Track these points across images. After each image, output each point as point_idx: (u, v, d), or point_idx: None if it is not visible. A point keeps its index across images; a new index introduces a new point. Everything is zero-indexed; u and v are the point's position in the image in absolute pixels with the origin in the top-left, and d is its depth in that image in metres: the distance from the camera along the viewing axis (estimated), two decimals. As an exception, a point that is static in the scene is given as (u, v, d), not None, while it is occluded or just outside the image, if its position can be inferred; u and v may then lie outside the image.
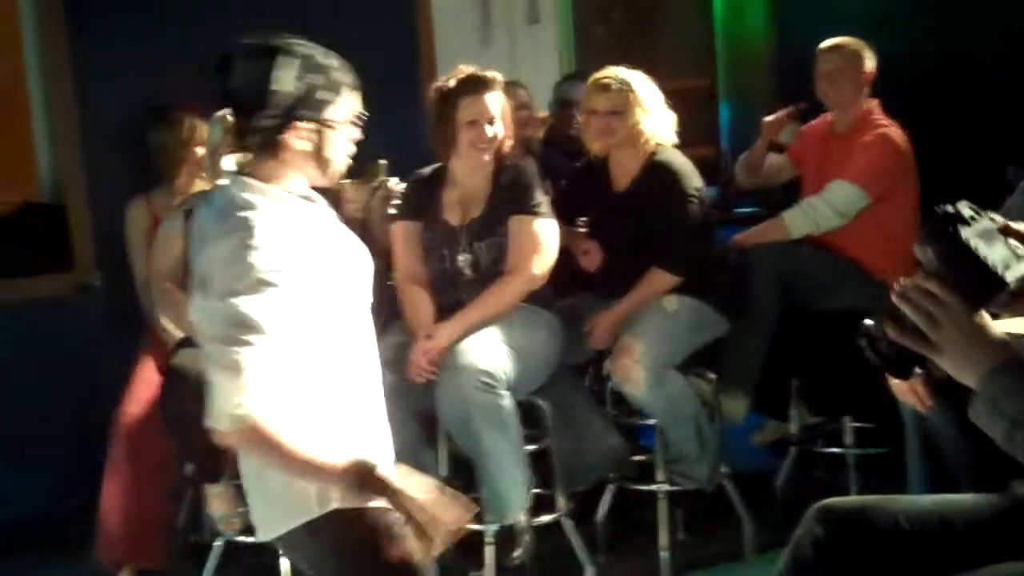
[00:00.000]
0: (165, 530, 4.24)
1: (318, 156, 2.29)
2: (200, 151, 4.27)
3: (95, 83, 4.83)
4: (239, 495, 3.88)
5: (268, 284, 2.10)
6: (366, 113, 2.37)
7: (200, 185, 4.28)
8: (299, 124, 2.24)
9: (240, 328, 2.08)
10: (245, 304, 2.08)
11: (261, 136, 2.24)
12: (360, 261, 2.39)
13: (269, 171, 2.26)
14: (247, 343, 2.07)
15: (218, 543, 3.97)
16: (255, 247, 2.11)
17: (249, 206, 2.18)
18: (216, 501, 3.90)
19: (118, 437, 4.19)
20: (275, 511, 2.29)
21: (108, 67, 4.77)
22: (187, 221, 3.98)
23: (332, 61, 2.30)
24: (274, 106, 2.20)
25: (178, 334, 4.07)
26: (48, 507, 4.68)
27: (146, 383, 4.23)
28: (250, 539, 3.91)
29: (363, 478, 2.15)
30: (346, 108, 2.31)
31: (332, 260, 2.28)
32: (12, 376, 4.70)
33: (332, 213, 2.42)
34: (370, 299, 2.43)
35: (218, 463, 3.86)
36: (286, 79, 2.20)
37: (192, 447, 3.91)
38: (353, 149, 2.40)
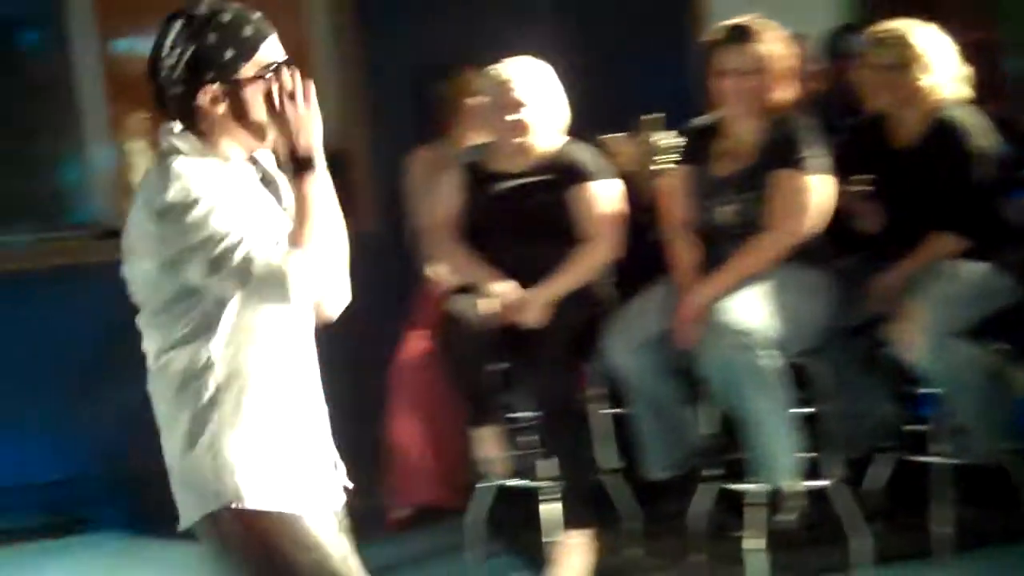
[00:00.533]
0: (457, 470, 4.34)
1: (242, 119, 2.10)
2: (473, 104, 4.36)
3: (378, 41, 5.03)
4: (509, 438, 3.99)
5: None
6: (287, 58, 2.11)
7: (475, 138, 4.38)
8: (208, 88, 2.06)
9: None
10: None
11: (174, 106, 2.09)
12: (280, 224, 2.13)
13: (199, 143, 2.09)
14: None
15: (487, 486, 4.07)
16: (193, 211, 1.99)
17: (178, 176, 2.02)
18: (485, 444, 3.99)
19: (399, 381, 4.38)
20: (186, 500, 2.14)
21: (390, 26, 4.95)
22: (463, 173, 4.10)
23: (239, 16, 2.07)
24: (170, 72, 2.05)
25: (452, 281, 4.19)
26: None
27: (422, 329, 4.39)
28: (519, 482, 4.02)
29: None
30: (259, 64, 2.08)
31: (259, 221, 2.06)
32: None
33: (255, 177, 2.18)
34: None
35: (488, 406, 3.98)
36: (177, 43, 2.04)
37: (465, 390, 4.04)
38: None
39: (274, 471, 2.11)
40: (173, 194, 2.00)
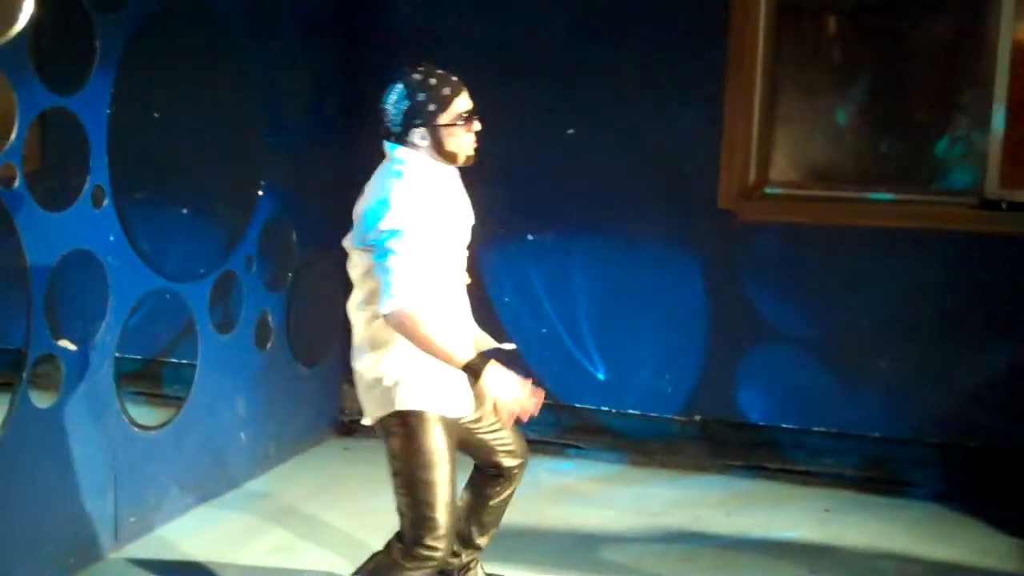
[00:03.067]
0: None
1: (440, 150, 3.24)
2: None
3: None
4: None
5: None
6: (474, 112, 3.24)
7: None
8: (415, 129, 3.22)
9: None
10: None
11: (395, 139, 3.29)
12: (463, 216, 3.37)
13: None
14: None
15: None
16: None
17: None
18: None
19: None
20: (367, 403, 3.33)
21: None
22: None
23: (438, 80, 3.20)
24: (392, 119, 3.26)
25: None
26: None
27: None
28: None
29: (474, 371, 3.08)
30: (453, 113, 3.21)
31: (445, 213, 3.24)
32: None
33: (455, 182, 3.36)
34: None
35: None
36: (398, 100, 3.23)
37: None
38: (474, 142, 3.27)
39: (421, 386, 3.22)
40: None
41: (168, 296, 4.55)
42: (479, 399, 3.24)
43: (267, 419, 5.12)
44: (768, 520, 4.65)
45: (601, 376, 5.40)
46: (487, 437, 3.51)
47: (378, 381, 3.26)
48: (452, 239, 3.28)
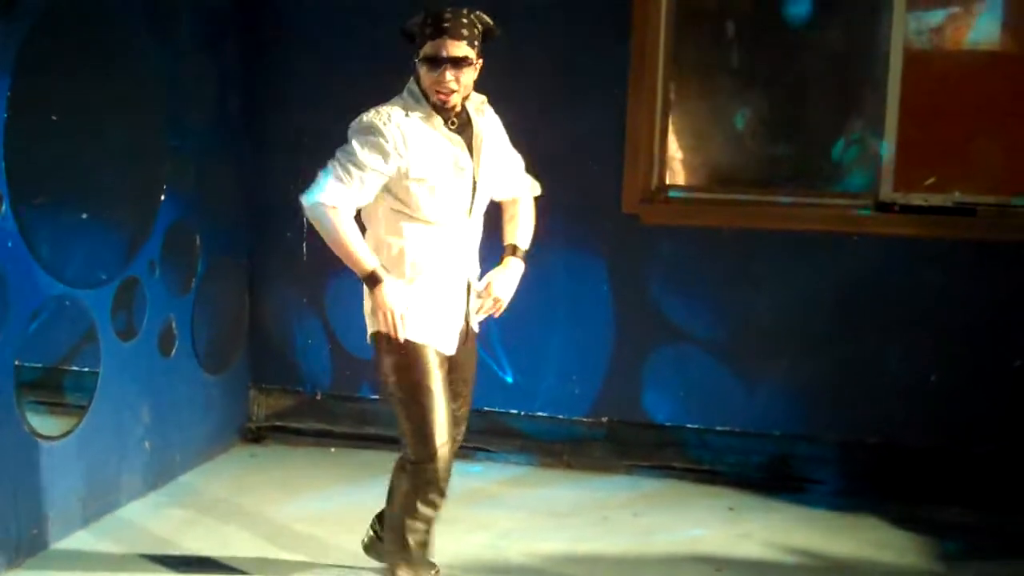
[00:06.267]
0: None
1: (418, 82, 3.40)
2: None
3: None
4: None
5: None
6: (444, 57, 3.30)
7: None
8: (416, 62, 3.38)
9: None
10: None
11: None
12: (456, 159, 3.43)
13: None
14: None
15: None
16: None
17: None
18: None
19: None
20: (368, 318, 3.54)
21: None
22: None
23: (435, 16, 3.31)
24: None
25: None
26: None
27: None
28: None
29: (368, 281, 3.38)
30: (423, 52, 3.34)
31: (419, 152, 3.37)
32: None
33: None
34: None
35: None
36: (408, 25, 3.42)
37: None
38: (446, 87, 3.32)
39: (411, 315, 3.41)
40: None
41: (68, 303, 4.46)
42: (376, 311, 3.43)
43: (172, 427, 5.05)
44: (674, 519, 4.72)
45: (509, 379, 5.43)
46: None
47: (366, 301, 3.51)
48: (427, 183, 3.38)
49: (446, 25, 3.31)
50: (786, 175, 5.87)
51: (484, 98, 3.58)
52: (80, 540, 4.38)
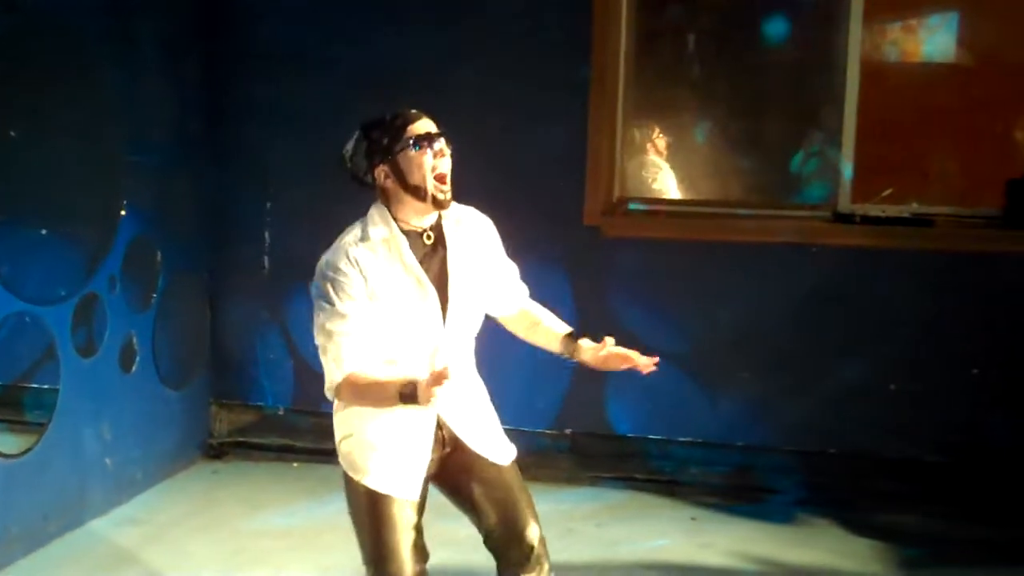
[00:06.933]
0: None
1: (405, 187, 2.98)
2: None
3: None
4: None
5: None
6: (436, 132, 2.99)
7: None
8: (378, 168, 3.00)
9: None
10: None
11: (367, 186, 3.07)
12: (421, 288, 2.99)
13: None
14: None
15: None
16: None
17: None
18: None
19: None
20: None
21: None
22: None
23: (392, 116, 3.00)
24: (356, 170, 3.05)
25: None
26: None
27: None
28: None
29: (410, 396, 2.83)
30: (407, 138, 2.96)
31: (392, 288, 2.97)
32: (1018, 325, 4.85)
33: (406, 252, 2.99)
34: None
35: None
36: (351, 149, 3.05)
37: None
38: (438, 168, 2.96)
39: (371, 461, 3.04)
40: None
41: (28, 319, 4.43)
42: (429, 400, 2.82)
43: (133, 444, 5.01)
44: (637, 530, 4.74)
45: (472, 392, 5.43)
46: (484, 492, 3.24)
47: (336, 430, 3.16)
48: (390, 315, 2.96)
49: (414, 111, 3.02)
50: (746, 188, 5.94)
51: (471, 208, 3.19)
52: (43, 558, 4.33)
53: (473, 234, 3.13)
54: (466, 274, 3.07)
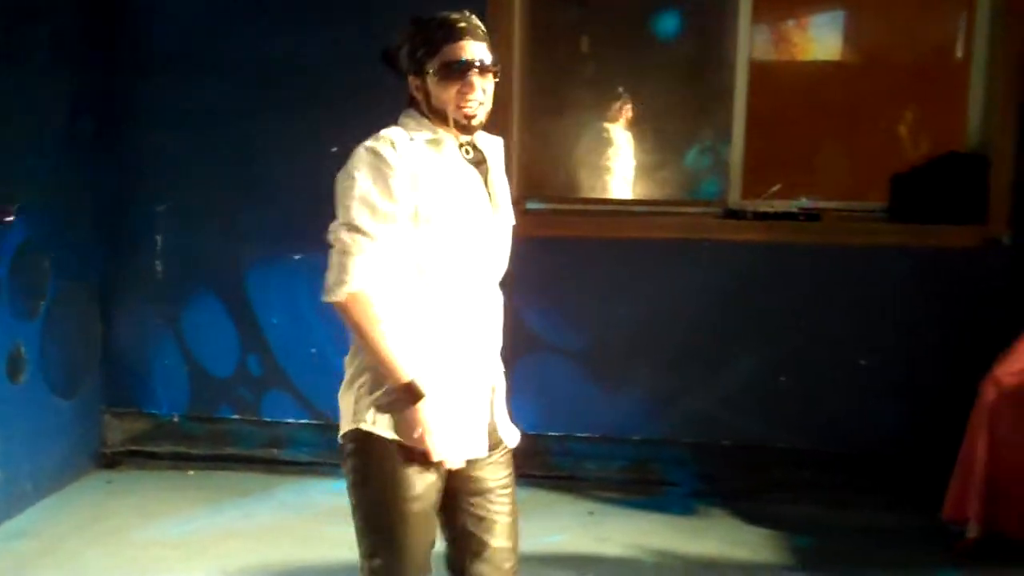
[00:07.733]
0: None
1: (429, 106, 2.70)
2: None
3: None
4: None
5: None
6: (471, 61, 2.66)
7: None
8: (410, 77, 2.72)
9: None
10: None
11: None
12: (477, 200, 2.68)
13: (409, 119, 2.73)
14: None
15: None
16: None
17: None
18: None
19: (987, 398, 4.21)
20: (343, 417, 2.68)
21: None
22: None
23: (439, 21, 2.67)
24: (398, 67, 2.75)
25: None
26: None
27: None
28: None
29: (403, 396, 2.54)
30: (440, 60, 2.64)
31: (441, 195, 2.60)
32: (905, 316, 4.98)
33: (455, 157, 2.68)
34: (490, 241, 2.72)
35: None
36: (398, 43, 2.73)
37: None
38: (474, 98, 2.67)
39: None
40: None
41: (-92, 331, 4.31)
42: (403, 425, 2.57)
43: (23, 455, 4.89)
44: (536, 526, 4.76)
45: (372, 393, 5.41)
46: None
47: (351, 381, 2.68)
48: (445, 230, 2.60)
49: (463, 26, 2.69)
50: (643, 185, 6.01)
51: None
52: (-74, 576, 4.23)
53: (501, 159, 2.87)
54: (506, 198, 2.81)
